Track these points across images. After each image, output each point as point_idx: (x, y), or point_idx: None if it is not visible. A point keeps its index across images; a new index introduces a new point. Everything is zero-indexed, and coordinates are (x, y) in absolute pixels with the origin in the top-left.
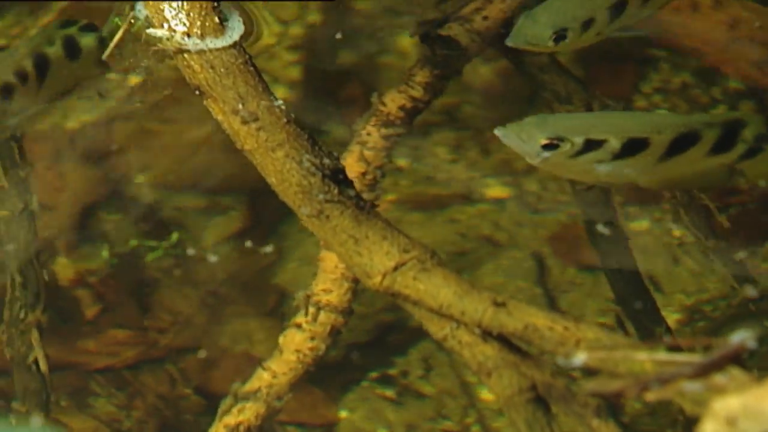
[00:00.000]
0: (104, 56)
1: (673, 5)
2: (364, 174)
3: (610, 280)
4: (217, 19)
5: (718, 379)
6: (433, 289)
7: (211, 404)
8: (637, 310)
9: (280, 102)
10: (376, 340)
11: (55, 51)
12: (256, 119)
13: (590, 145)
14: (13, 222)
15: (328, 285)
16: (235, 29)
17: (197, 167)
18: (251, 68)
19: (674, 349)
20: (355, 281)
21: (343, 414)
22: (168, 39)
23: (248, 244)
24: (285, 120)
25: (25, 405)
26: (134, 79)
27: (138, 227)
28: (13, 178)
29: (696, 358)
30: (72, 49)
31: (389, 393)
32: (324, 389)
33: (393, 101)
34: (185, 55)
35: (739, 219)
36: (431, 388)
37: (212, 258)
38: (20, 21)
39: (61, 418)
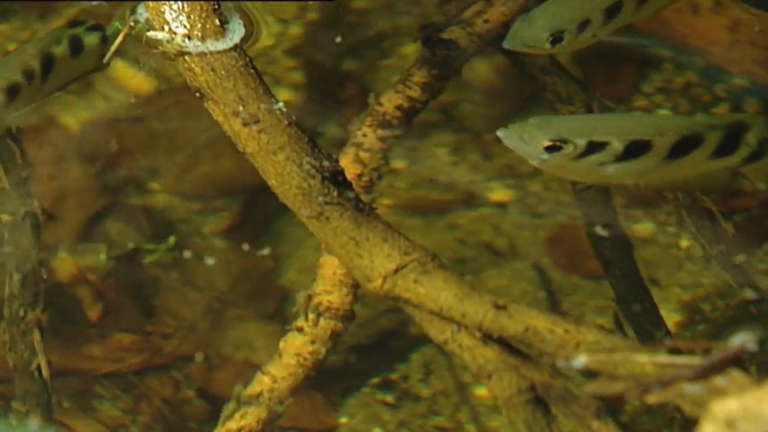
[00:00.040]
0: (105, 60)
1: (673, 6)
2: (360, 176)
3: (611, 283)
4: (217, 22)
5: (719, 381)
6: (433, 292)
7: (214, 408)
8: (636, 312)
9: (281, 104)
10: (376, 345)
11: (61, 50)
12: (257, 121)
13: (593, 147)
14: (15, 226)
15: (328, 287)
16: (236, 32)
17: (198, 170)
18: (252, 71)
19: (674, 351)
20: (356, 285)
21: (344, 420)
22: (168, 42)
23: (246, 247)
24: (286, 122)
25: (25, 406)
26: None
27: (138, 230)
28: (14, 179)
29: (696, 360)
30: (76, 46)
31: (389, 398)
32: (325, 394)
33: (389, 101)
34: (186, 58)
35: (744, 223)
36: (429, 391)
37: (210, 261)
38: (28, 25)
39: (65, 420)
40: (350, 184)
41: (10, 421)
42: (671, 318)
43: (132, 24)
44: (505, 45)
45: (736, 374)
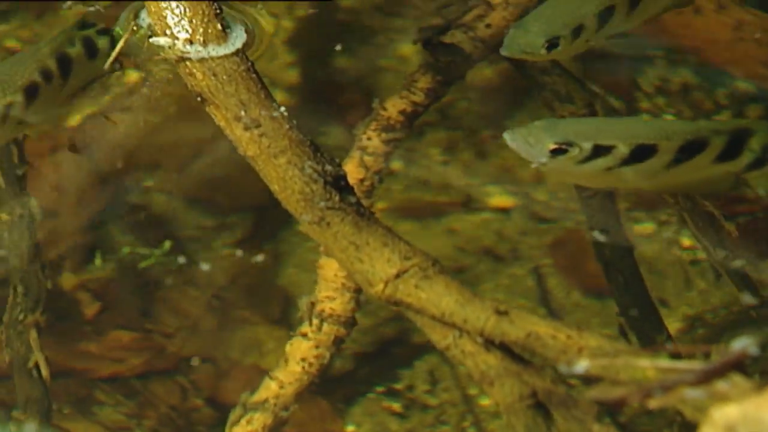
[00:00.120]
0: (107, 65)
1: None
2: (362, 180)
3: (613, 290)
4: (219, 26)
5: (720, 386)
6: (435, 297)
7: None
8: (639, 317)
9: (282, 109)
10: (380, 353)
11: (76, 51)
12: (258, 126)
13: (598, 151)
14: (13, 225)
15: (331, 292)
16: (238, 37)
17: (198, 172)
18: (253, 75)
19: (676, 356)
20: (358, 290)
21: (351, 428)
22: (170, 47)
23: (242, 251)
24: (287, 127)
25: (26, 412)
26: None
27: (138, 233)
28: (9, 178)
29: (698, 365)
30: (91, 49)
31: (396, 407)
32: (330, 401)
33: (394, 106)
34: (187, 63)
35: (748, 228)
36: (436, 400)
37: (206, 266)
38: (26, 24)
39: (64, 425)
40: (352, 188)
41: (9, 427)
42: (672, 326)
43: (134, 29)
44: (503, 52)
45: (737, 379)
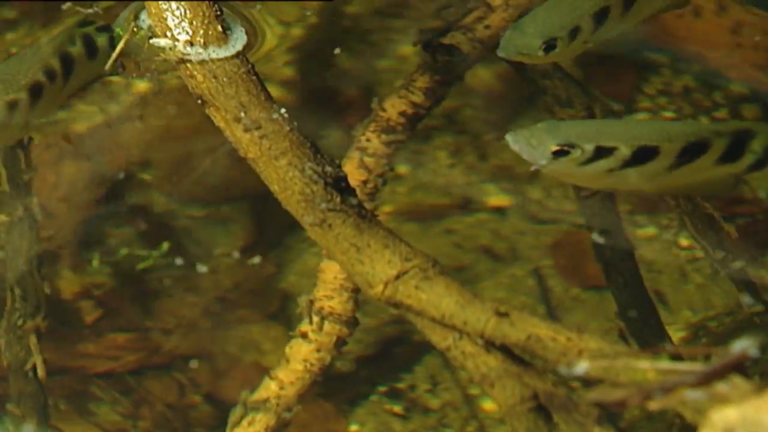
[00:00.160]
0: (107, 66)
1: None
2: (365, 182)
3: (613, 291)
4: (220, 28)
5: (720, 387)
6: (435, 299)
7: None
8: (640, 321)
9: (283, 111)
10: (381, 354)
11: (77, 50)
12: (259, 127)
13: (600, 153)
14: (14, 227)
15: (329, 292)
16: (238, 38)
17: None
18: (254, 77)
19: (676, 358)
20: (356, 290)
21: (354, 428)
22: (171, 48)
23: (237, 255)
24: (288, 128)
25: (20, 408)
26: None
27: (138, 235)
28: (15, 183)
29: (698, 366)
30: (91, 47)
31: (398, 408)
32: (333, 402)
33: (393, 107)
34: (188, 65)
35: (748, 230)
36: (438, 401)
37: (203, 268)
38: (32, 33)
39: (60, 424)
40: (353, 190)
41: (6, 426)
42: (672, 327)
43: (134, 30)
44: (500, 54)
45: (737, 381)
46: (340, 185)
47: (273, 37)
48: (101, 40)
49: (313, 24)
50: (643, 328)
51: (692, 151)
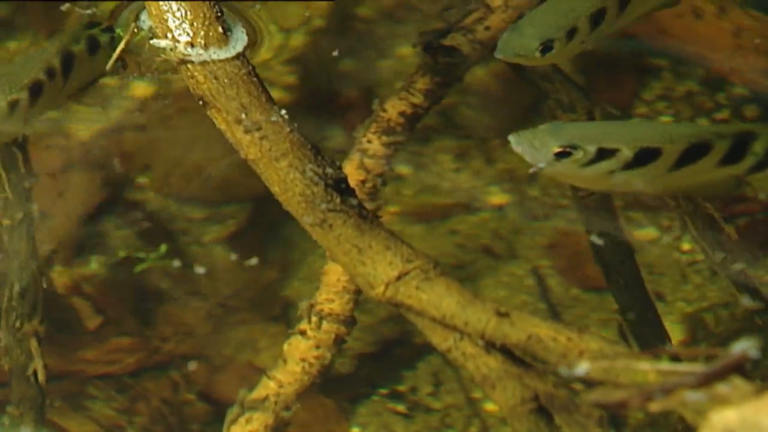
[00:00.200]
0: (108, 66)
1: (675, 11)
2: (363, 182)
3: (613, 292)
4: (220, 29)
5: (721, 389)
6: (436, 299)
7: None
8: (639, 321)
9: (283, 112)
10: (382, 353)
11: (79, 49)
12: (259, 129)
13: (603, 154)
14: (14, 231)
15: (331, 295)
16: (239, 40)
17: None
18: (254, 78)
19: (676, 359)
20: (358, 292)
21: (356, 430)
22: (171, 49)
23: (235, 257)
24: (288, 129)
25: (19, 409)
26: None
27: (138, 237)
28: (16, 188)
29: (698, 368)
30: (93, 45)
31: (401, 408)
32: (335, 402)
33: (393, 107)
34: (189, 66)
35: (747, 229)
36: (439, 403)
37: (200, 270)
38: (37, 42)
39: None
40: (353, 191)
41: (3, 422)
42: (673, 328)
43: (135, 31)
44: (497, 55)
45: (738, 382)
46: (340, 186)
47: (271, 44)
48: (104, 39)
49: (315, 27)
50: (644, 329)
51: (694, 152)
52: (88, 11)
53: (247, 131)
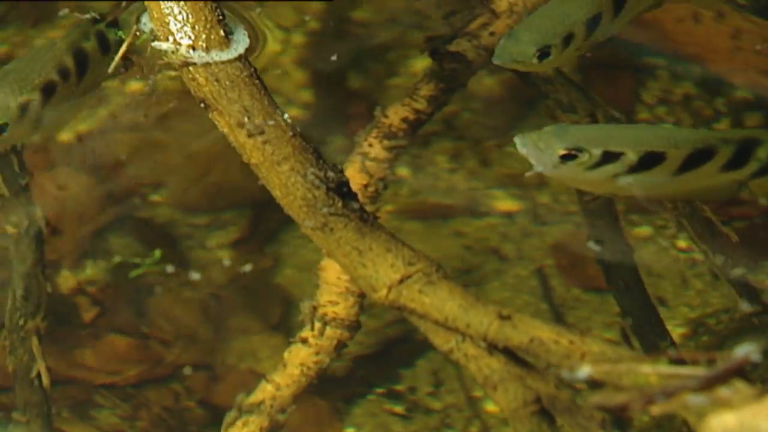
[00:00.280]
0: (110, 69)
1: (675, 16)
2: (366, 186)
3: (615, 294)
4: (222, 32)
5: (723, 392)
6: (438, 302)
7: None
8: (641, 323)
9: (286, 115)
10: (382, 354)
11: (91, 46)
12: (262, 132)
13: (608, 157)
14: (20, 238)
15: (334, 297)
16: (240, 42)
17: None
18: (256, 81)
19: (678, 362)
20: (362, 294)
21: (350, 431)
22: (173, 52)
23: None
24: (290, 133)
25: (25, 416)
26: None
27: (139, 242)
28: (13, 188)
29: (700, 371)
30: (104, 43)
31: (398, 408)
32: (329, 402)
33: (396, 113)
34: (190, 68)
35: (745, 232)
36: (439, 403)
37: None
38: (23, 31)
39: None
40: (355, 194)
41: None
42: (675, 330)
43: (137, 34)
44: (495, 61)
45: (740, 385)
46: (342, 190)
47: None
48: (111, 36)
49: (315, 29)
50: (645, 330)
51: (698, 157)
52: (87, 15)
53: (249, 135)
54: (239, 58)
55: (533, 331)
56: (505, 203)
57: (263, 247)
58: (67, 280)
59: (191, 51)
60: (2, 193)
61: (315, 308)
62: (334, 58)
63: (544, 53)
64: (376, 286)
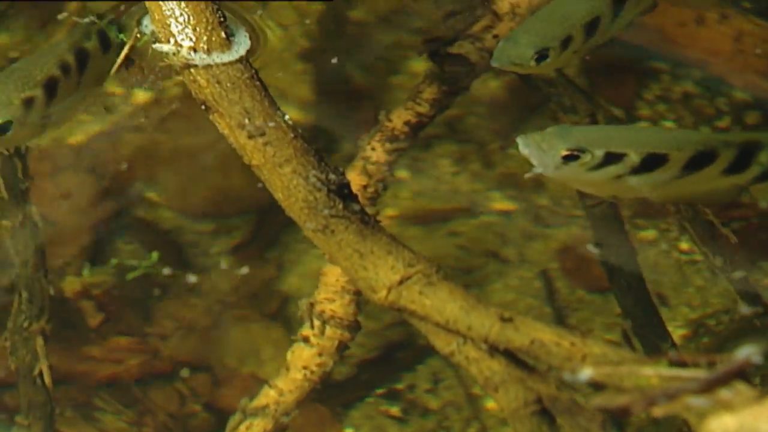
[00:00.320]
0: (112, 72)
1: (678, 19)
2: (365, 187)
3: (617, 295)
4: (223, 34)
5: (724, 394)
6: (439, 304)
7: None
8: (643, 324)
9: (287, 117)
10: (383, 358)
11: (92, 44)
12: (263, 134)
13: (610, 159)
14: (15, 231)
15: (330, 294)
16: (242, 44)
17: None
18: (257, 83)
19: (680, 364)
20: (358, 293)
21: (349, 431)
22: (174, 54)
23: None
24: (292, 135)
25: (28, 419)
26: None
27: (140, 245)
28: (13, 191)
29: (702, 373)
30: (105, 42)
31: (394, 410)
32: (329, 406)
33: (399, 117)
34: (191, 70)
35: (744, 234)
36: (437, 402)
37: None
38: (30, 37)
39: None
40: (356, 196)
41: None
42: (676, 332)
43: (138, 36)
44: (493, 64)
45: (741, 387)
46: (343, 192)
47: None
48: (112, 35)
49: (315, 30)
50: (646, 332)
51: (700, 160)
52: (87, 20)
53: (250, 137)
54: (240, 59)
55: (534, 333)
56: (504, 204)
57: (263, 252)
58: (72, 285)
59: (192, 53)
60: (2, 195)
61: (312, 305)
62: (334, 60)
63: (542, 56)
64: (375, 288)
